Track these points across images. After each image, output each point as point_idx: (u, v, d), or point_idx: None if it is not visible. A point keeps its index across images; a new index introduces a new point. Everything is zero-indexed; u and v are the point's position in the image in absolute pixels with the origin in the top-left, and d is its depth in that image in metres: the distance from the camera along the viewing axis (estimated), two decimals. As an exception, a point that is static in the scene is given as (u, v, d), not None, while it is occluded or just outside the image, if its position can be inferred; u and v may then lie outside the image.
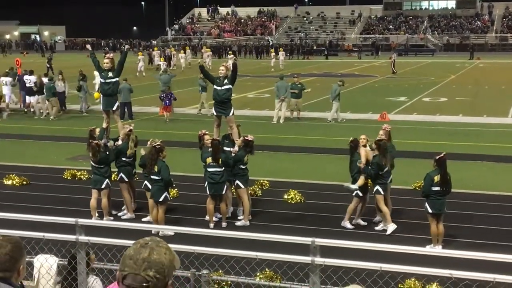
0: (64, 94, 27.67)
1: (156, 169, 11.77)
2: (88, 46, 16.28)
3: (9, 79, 28.04)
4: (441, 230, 10.94)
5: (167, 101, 24.60)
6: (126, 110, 25.40)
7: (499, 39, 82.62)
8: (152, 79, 42.18)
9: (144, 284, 2.58)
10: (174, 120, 25.19)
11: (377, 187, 11.79)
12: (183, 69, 51.30)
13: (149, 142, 12.48)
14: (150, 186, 12.23)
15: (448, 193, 10.96)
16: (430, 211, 10.86)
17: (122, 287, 2.64)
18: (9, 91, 27.83)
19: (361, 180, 11.85)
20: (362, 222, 12.25)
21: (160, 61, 53.61)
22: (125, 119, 25.39)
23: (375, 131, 14.04)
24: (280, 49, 59.38)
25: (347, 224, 12.02)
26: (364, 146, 12.15)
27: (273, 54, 55.75)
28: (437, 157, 10.91)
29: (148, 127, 22.46)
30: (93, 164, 12.55)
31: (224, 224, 12.33)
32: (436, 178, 10.72)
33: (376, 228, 12.01)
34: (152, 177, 11.87)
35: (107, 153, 12.70)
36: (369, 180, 12.03)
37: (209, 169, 12.18)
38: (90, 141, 12.49)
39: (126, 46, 17.27)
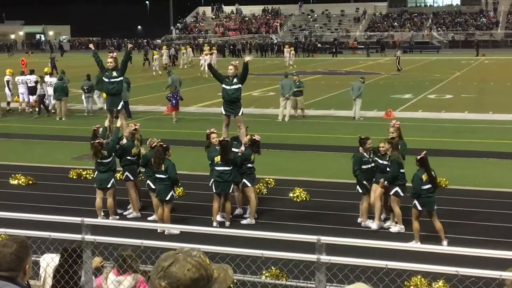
0: (44, 97, 26.97)
1: (163, 167, 11.78)
2: (91, 46, 16.26)
3: (23, 77, 28.17)
4: (439, 226, 10.98)
5: (174, 101, 24.64)
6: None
7: (504, 36, 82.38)
8: (160, 78, 42.24)
9: None
10: (179, 119, 25.22)
11: (397, 188, 11.57)
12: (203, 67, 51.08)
13: (148, 142, 12.52)
14: (153, 186, 12.26)
15: (436, 189, 11.13)
16: (419, 208, 10.91)
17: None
18: (25, 90, 27.99)
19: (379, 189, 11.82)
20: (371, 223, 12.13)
21: (167, 60, 53.69)
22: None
23: (380, 129, 14.03)
24: (286, 46, 59.70)
25: (368, 223, 11.94)
26: (383, 155, 11.92)
27: (292, 52, 55.70)
28: (418, 157, 11.03)
29: (153, 126, 22.48)
30: (97, 161, 12.53)
31: (227, 223, 12.32)
32: (424, 177, 10.86)
33: (392, 230, 11.79)
34: (158, 175, 11.87)
35: (113, 146, 12.66)
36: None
37: (217, 168, 12.15)
38: (92, 141, 12.48)
39: (129, 45, 17.26)
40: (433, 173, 10.95)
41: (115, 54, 15.03)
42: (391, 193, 11.64)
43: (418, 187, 10.83)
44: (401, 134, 12.48)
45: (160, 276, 2.55)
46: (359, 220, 12.10)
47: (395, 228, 11.64)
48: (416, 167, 11.04)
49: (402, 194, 11.62)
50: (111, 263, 7.07)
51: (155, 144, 12.15)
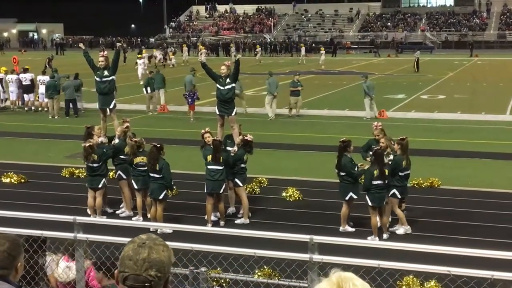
0: None
1: (157, 167, 11.77)
2: (81, 45, 16.23)
3: (14, 76, 28.13)
4: (384, 221, 11.40)
5: (190, 100, 24.62)
6: (71, 107, 26.02)
7: (497, 36, 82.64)
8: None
9: (147, 284, 2.62)
10: (173, 118, 25.21)
11: (394, 190, 11.56)
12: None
13: (128, 135, 12.61)
14: (136, 185, 12.34)
15: (388, 186, 11.38)
16: (370, 204, 11.30)
17: (123, 287, 2.66)
18: (15, 88, 27.99)
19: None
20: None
21: (162, 59, 53.67)
22: (71, 115, 25.57)
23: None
24: (301, 44, 60.74)
25: (347, 228, 11.92)
26: (384, 151, 11.92)
27: (322, 51, 55.12)
28: (373, 151, 11.53)
29: (146, 125, 22.46)
30: (87, 163, 12.52)
31: (222, 223, 12.32)
32: (376, 172, 11.17)
33: (398, 232, 11.70)
34: (152, 175, 11.87)
35: (104, 150, 12.66)
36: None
37: (209, 167, 12.18)
38: (83, 144, 12.43)
39: (118, 44, 17.39)
40: (386, 170, 11.27)
41: (106, 53, 15.03)
42: (389, 194, 11.63)
43: (368, 182, 11.22)
44: (385, 134, 12.52)
45: (145, 268, 2.62)
46: (340, 229, 11.92)
47: (401, 229, 11.64)
48: (370, 161, 11.57)
49: (399, 196, 11.62)
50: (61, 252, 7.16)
51: (129, 133, 12.32)
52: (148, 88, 26.47)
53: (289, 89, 25.65)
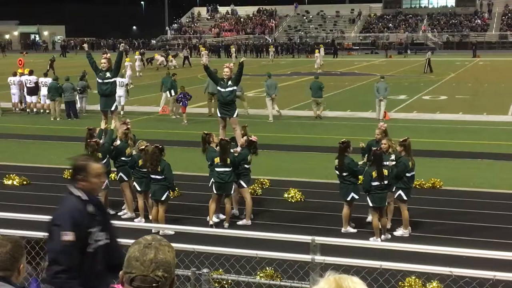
0: None
1: (159, 168, 11.77)
2: (85, 46, 16.28)
3: (17, 78, 28.22)
4: (383, 222, 11.36)
5: (185, 101, 24.42)
6: (70, 109, 26.05)
7: (498, 37, 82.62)
8: (154, 78, 42.17)
9: (154, 285, 2.65)
10: (174, 120, 25.20)
11: (400, 192, 11.51)
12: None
13: (137, 145, 12.49)
14: (139, 188, 12.32)
15: (388, 187, 11.30)
16: (371, 204, 11.29)
17: None
18: (17, 90, 28.11)
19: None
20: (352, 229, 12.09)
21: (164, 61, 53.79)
22: (71, 117, 25.59)
23: (375, 130, 14.01)
24: (321, 45, 60.99)
25: (349, 229, 11.91)
26: (386, 151, 11.95)
27: (317, 54, 53.82)
28: (372, 151, 11.46)
29: (148, 127, 22.47)
30: None
31: (226, 225, 12.30)
32: (374, 173, 11.14)
33: (396, 233, 11.64)
34: (154, 176, 11.86)
35: (105, 145, 12.64)
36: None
37: (217, 169, 12.10)
38: (89, 140, 12.45)
39: (121, 44, 17.48)
40: (385, 170, 11.16)
41: (108, 55, 15.07)
42: (395, 196, 11.63)
43: (367, 183, 11.19)
44: (387, 135, 12.50)
45: (153, 269, 2.65)
46: (342, 230, 11.91)
47: (400, 231, 11.62)
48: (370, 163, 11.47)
49: (405, 198, 11.57)
50: None
51: (143, 147, 12.15)
52: (172, 91, 25.81)
53: (322, 92, 25.58)
